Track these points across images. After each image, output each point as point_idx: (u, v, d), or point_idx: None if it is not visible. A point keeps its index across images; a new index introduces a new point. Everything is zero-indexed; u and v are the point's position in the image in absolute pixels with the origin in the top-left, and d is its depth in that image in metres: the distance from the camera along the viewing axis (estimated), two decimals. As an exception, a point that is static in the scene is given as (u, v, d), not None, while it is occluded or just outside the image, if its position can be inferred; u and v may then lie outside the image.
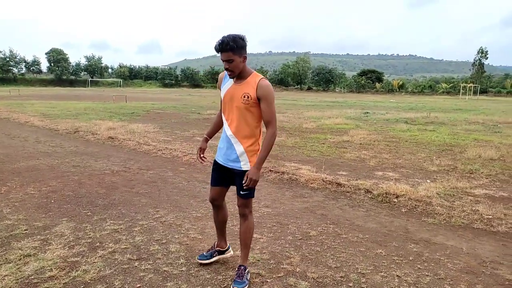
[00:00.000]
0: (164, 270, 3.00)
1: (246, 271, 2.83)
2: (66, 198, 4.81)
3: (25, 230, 3.71)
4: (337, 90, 78.64)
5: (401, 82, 77.61)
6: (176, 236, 3.67)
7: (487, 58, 72.37)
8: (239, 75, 2.64)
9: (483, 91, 65.19)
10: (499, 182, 5.90)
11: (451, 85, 71.54)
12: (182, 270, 3.01)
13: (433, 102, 36.57)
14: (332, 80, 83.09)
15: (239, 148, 2.71)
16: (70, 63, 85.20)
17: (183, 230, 3.83)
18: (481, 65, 71.99)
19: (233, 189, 2.93)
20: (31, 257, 3.14)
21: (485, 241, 3.71)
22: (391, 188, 5.12)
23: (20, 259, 3.10)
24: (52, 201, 4.67)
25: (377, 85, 76.06)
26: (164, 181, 5.76)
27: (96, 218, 4.11)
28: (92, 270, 2.95)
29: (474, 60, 73.04)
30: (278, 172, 6.16)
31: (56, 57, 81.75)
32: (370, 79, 79.34)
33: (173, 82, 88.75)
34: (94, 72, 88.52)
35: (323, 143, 9.43)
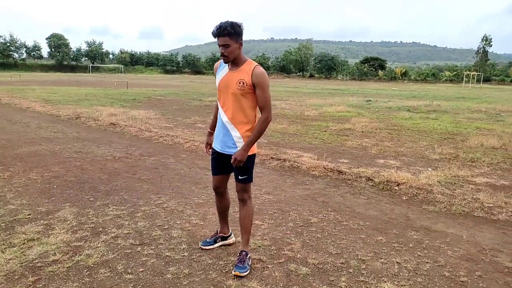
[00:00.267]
0: (166, 255, 3.03)
1: (248, 257, 2.87)
2: (69, 183, 4.83)
3: (28, 215, 3.75)
4: (339, 78, 78.13)
5: (404, 70, 77.03)
6: (178, 222, 3.70)
7: (491, 46, 71.71)
8: (234, 62, 2.68)
9: (487, 79, 64.73)
10: (500, 171, 5.90)
11: (454, 73, 70.99)
12: (184, 255, 3.04)
13: (436, 90, 36.35)
14: (334, 67, 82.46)
15: (235, 134, 2.75)
16: (71, 48, 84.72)
17: (185, 216, 3.86)
18: (485, 53, 71.32)
19: (233, 177, 2.94)
20: (35, 241, 3.18)
21: (485, 229, 3.73)
22: (392, 176, 5.13)
23: (24, 243, 3.14)
24: (55, 186, 4.70)
25: (380, 72, 75.52)
26: (166, 168, 5.78)
27: (98, 203, 4.14)
28: (95, 255, 2.98)
29: (478, 48, 72.35)
30: (280, 160, 6.17)
31: (57, 42, 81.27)
32: (372, 66, 78.73)
33: (175, 68, 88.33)
34: (95, 57, 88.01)
35: (325, 131, 9.42)
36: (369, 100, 19.20)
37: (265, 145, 7.38)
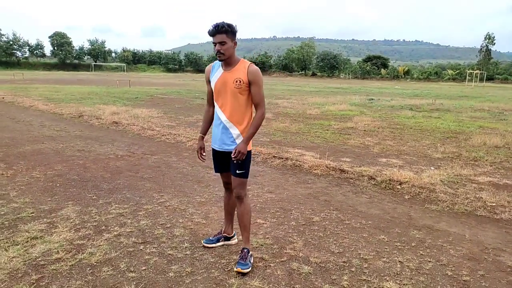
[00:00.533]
0: (169, 254, 3.04)
1: (249, 254, 2.90)
2: (72, 182, 4.85)
3: (31, 213, 3.76)
4: (341, 76, 77.94)
5: (406, 68, 76.70)
6: (181, 221, 3.71)
7: (494, 44, 71.27)
8: (228, 62, 2.77)
9: (490, 78, 64.39)
10: (503, 170, 5.88)
11: (457, 71, 70.64)
12: (186, 254, 3.05)
13: (439, 89, 36.23)
14: (337, 66, 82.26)
15: (235, 131, 2.83)
16: (74, 47, 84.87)
17: (187, 215, 3.87)
18: (488, 51, 70.93)
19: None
20: (38, 239, 3.19)
21: (488, 228, 3.73)
22: (394, 175, 5.12)
23: (27, 241, 3.15)
24: (58, 184, 4.72)
25: (383, 71, 75.28)
26: (168, 166, 5.79)
27: (101, 202, 4.15)
28: (98, 253, 2.99)
29: (481, 46, 71.99)
30: (282, 158, 6.17)
31: (60, 41, 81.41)
32: (375, 65, 78.47)
33: (177, 67, 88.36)
34: (98, 56, 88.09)
35: (327, 130, 9.41)
36: (372, 99, 19.15)
37: (267, 144, 7.38)
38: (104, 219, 3.68)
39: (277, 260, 2.98)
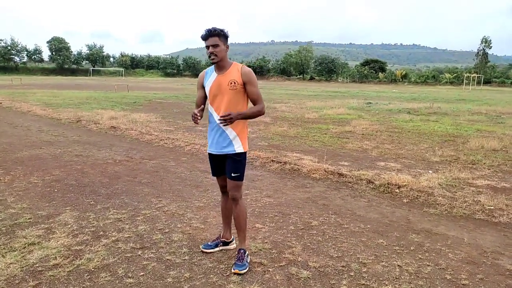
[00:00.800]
0: (167, 259, 3.03)
1: (246, 254, 2.94)
2: (70, 187, 4.84)
3: (29, 218, 3.75)
4: (339, 80, 78.19)
5: (404, 72, 77.01)
6: (179, 226, 3.70)
7: (490, 48, 71.71)
8: (221, 65, 2.85)
9: (487, 81, 64.71)
10: (501, 173, 5.89)
11: (454, 75, 71.00)
12: (185, 259, 3.04)
13: (436, 93, 36.36)
14: (334, 70, 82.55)
15: (231, 133, 2.89)
16: (72, 52, 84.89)
17: (186, 220, 3.86)
18: (485, 55, 71.33)
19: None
20: (36, 245, 3.18)
21: (486, 232, 3.73)
22: (393, 179, 5.13)
23: (25, 247, 3.14)
24: (56, 190, 4.70)
25: (380, 75, 75.59)
26: (167, 171, 5.78)
27: (99, 207, 4.14)
28: (96, 259, 2.98)
29: (478, 50, 72.37)
30: (280, 162, 6.17)
31: (58, 46, 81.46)
32: (373, 69, 78.81)
33: (175, 71, 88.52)
34: (96, 61, 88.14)
35: (325, 133, 9.42)
36: (370, 103, 19.20)
37: (266, 148, 7.38)
38: (102, 224, 3.67)
39: (275, 265, 2.97)
